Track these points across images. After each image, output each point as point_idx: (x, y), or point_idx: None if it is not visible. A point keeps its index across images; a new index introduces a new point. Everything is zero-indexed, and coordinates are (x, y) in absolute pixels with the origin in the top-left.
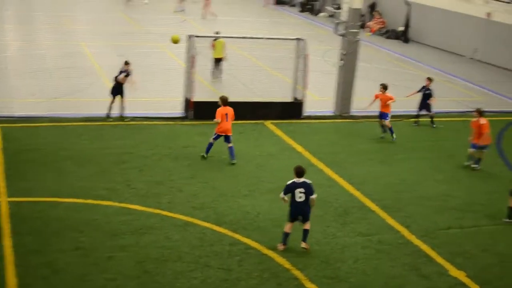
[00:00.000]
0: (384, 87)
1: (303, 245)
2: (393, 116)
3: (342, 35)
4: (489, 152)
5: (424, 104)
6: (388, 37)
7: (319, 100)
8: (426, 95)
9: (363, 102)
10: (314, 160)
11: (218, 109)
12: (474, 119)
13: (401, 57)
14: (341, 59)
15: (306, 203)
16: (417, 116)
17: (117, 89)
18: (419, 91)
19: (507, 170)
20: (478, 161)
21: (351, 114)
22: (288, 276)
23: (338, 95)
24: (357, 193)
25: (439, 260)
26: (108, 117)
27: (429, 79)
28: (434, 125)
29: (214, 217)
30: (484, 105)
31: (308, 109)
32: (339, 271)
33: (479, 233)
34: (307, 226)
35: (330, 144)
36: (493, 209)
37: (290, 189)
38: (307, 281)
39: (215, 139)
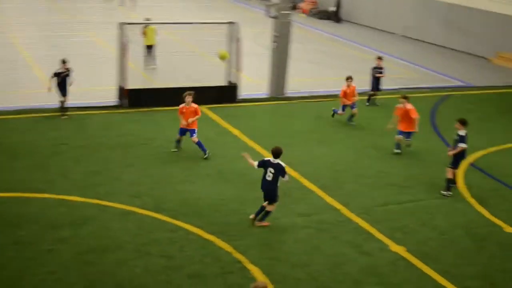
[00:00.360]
0: (352, 79)
1: (257, 223)
2: (329, 96)
3: (274, 17)
4: (424, 128)
5: (376, 83)
6: (320, 18)
7: (254, 83)
8: (377, 74)
9: (298, 83)
10: (251, 143)
11: (197, 106)
12: (400, 105)
13: (334, 37)
14: (274, 41)
15: (273, 183)
16: (371, 96)
17: (64, 87)
18: (373, 72)
19: (442, 144)
20: (398, 146)
21: (286, 95)
22: (230, 260)
23: (273, 77)
24: (295, 174)
25: (379, 236)
26: (64, 110)
27: (380, 58)
28: (377, 104)
29: (153, 205)
30: (417, 81)
31: (243, 92)
32: (280, 252)
33: (417, 207)
34: (270, 208)
35: (266, 126)
36: (429, 183)
37: (263, 164)
38: (249, 263)
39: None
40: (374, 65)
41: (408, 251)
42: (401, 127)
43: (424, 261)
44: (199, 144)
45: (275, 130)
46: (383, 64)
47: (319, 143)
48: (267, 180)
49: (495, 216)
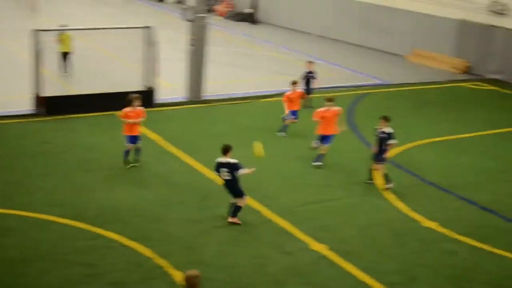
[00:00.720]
0: (297, 83)
1: (229, 219)
2: (247, 97)
3: (190, 20)
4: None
5: (308, 88)
6: (236, 20)
7: (172, 87)
8: (309, 79)
9: (216, 86)
10: (170, 147)
11: (143, 109)
12: (324, 109)
13: (251, 39)
14: (191, 44)
15: (232, 180)
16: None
17: None
18: (305, 77)
19: (360, 142)
20: (321, 156)
21: (204, 98)
22: (153, 265)
23: (190, 80)
24: (215, 177)
25: (301, 235)
26: None
27: (310, 62)
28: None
29: (73, 213)
30: (334, 80)
31: (161, 97)
32: (204, 256)
33: (338, 206)
34: (239, 202)
35: (185, 130)
36: (349, 182)
37: (216, 168)
38: (172, 268)
39: None
40: (305, 69)
41: (330, 249)
42: (323, 131)
43: (345, 259)
44: (139, 151)
45: (194, 134)
46: (314, 67)
47: (238, 145)
48: (225, 179)
49: (414, 211)
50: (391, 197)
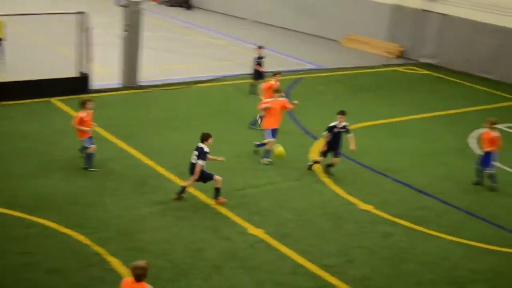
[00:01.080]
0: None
1: (214, 202)
2: (182, 83)
3: (124, 6)
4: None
5: (259, 72)
6: (171, 5)
7: (106, 73)
8: (259, 63)
9: (151, 71)
10: (106, 134)
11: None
12: (271, 99)
13: (186, 25)
14: (125, 30)
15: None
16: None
17: None
18: (257, 63)
19: (296, 127)
20: (261, 144)
21: (139, 84)
22: (90, 252)
23: (124, 66)
24: (151, 163)
25: (238, 220)
26: None
27: (260, 48)
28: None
29: (7, 201)
30: (269, 65)
31: (96, 83)
32: (140, 242)
33: (274, 190)
34: (216, 184)
35: (120, 116)
36: (286, 166)
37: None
38: (109, 255)
39: None
40: (255, 55)
41: (267, 233)
42: (272, 125)
43: (283, 242)
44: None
45: (129, 119)
46: (263, 53)
47: (174, 130)
48: (191, 162)
49: (350, 194)
50: (327, 181)
